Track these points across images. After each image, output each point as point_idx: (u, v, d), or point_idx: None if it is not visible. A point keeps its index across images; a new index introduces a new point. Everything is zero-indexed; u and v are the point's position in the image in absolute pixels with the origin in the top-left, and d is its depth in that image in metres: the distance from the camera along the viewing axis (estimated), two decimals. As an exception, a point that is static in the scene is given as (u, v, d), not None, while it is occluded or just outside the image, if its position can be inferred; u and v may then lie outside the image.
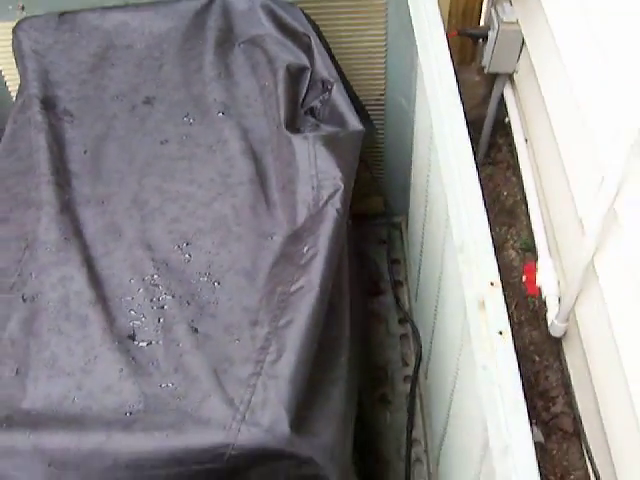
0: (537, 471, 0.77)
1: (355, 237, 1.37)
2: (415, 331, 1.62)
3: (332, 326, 1.07)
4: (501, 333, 0.89)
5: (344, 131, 1.24)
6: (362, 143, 1.27)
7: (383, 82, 1.63)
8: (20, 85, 1.41)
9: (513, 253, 1.78)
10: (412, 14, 1.35)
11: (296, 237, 1.11)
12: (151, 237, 1.13)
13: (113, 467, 0.91)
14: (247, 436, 0.90)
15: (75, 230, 1.13)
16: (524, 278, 1.67)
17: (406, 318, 1.68)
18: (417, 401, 1.58)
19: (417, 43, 1.31)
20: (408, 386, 1.60)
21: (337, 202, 1.11)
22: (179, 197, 1.17)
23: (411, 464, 1.50)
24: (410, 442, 1.53)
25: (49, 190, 1.16)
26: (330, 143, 1.17)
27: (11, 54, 1.50)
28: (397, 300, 1.72)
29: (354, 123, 1.25)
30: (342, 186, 1.12)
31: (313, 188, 1.14)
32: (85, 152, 1.25)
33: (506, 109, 1.95)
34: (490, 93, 1.99)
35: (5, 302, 1.09)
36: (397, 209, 1.82)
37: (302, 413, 0.94)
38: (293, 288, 1.03)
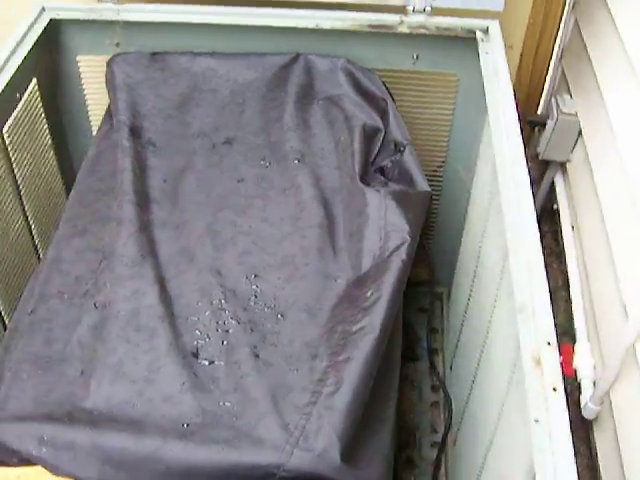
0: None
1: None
2: (448, 398, 1.64)
3: (385, 369, 1.11)
4: (555, 389, 0.92)
5: (413, 190, 1.30)
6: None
7: (444, 152, 1.69)
8: (106, 113, 1.49)
9: (549, 336, 1.80)
10: (486, 88, 1.42)
11: (360, 282, 1.16)
12: (221, 265, 1.18)
13: (166, 474, 0.95)
14: (299, 460, 0.94)
15: (151, 249, 1.19)
16: (560, 359, 1.70)
17: (439, 385, 1.71)
18: (442, 468, 1.59)
19: (489, 116, 1.37)
20: (435, 452, 1.61)
21: (403, 253, 1.16)
22: (251, 232, 1.23)
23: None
24: (432, 507, 1.54)
25: (130, 209, 1.23)
26: (400, 199, 1.23)
27: (97, 87, 1.60)
28: (432, 367, 1.75)
29: (422, 184, 1.31)
30: (409, 240, 1.18)
31: (381, 239, 1.19)
32: (165, 181, 1.32)
33: (555, 196, 2.02)
34: (540, 180, 2.06)
35: (77, 306, 1.14)
36: (442, 280, 1.86)
37: (352, 446, 0.98)
38: (354, 328, 1.08)
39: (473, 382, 1.46)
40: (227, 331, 1.09)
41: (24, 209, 1.54)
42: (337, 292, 1.16)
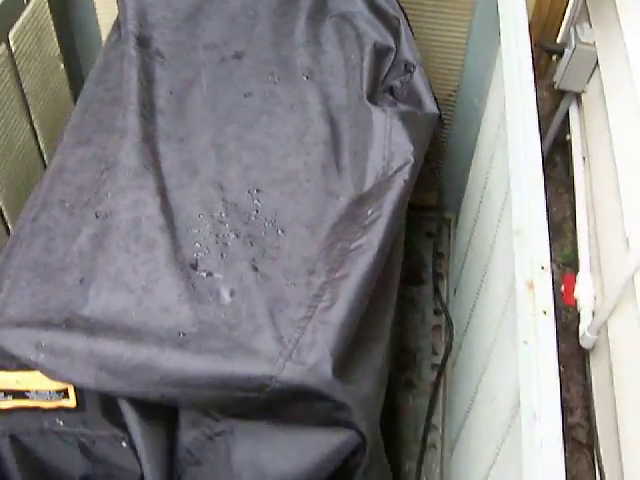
0: (561, 436, 0.81)
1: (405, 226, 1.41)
2: (449, 322, 1.66)
3: (382, 288, 1.12)
4: (545, 313, 0.93)
5: (420, 111, 1.28)
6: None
7: (458, 78, 1.67)
8: (115, 22, 1.47)
9: (553, 265, 1.82)
10: (500, 14, 1.39)
11: (361, 201, 1.15)
12: (224, 179, 1.18)
13: (161, 382, 0.96)
14: (291, 372, 0.95)
15: (154, 161, 1.19)
16: (562, 288, 1.71)
17: (442, 309, 1.72)
18: (441, 389, 1.62)
19: (502, 43, 1.34)
20: (434, 374, 1.64)
21: (405, 174, 1.15)
22: (255, 147, 1.23)
23: (426, 448, 1.54)
24: (428, 427, 1.56)
25: (134, 119, 1.22)
26: (406, 119, 1.22)
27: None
28: (436, 291, 1.76)
29: (431, 106, 1.29)
30: (412, 160, 1.17)
31: (384, 158, 1.18)
32: (171, 92, 1.31)
33: (569, 127, 1.99)
34: (555, 110, 2.03)
35: (78, 217, 1.14)
36: (450, 205, 1.86)
37: (345, 361, 0.99)
38: (353, 245, 1.08)
39: (473, 307, 1.47)
40: (226, 244, 1.10)
41: (31, 119, 1.53)
42: (338, 210, 1.15)
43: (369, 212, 1.11)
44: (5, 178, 1.42)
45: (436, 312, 1.74)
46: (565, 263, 1.87)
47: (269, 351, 0.97)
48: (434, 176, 1.79)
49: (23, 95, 1.48)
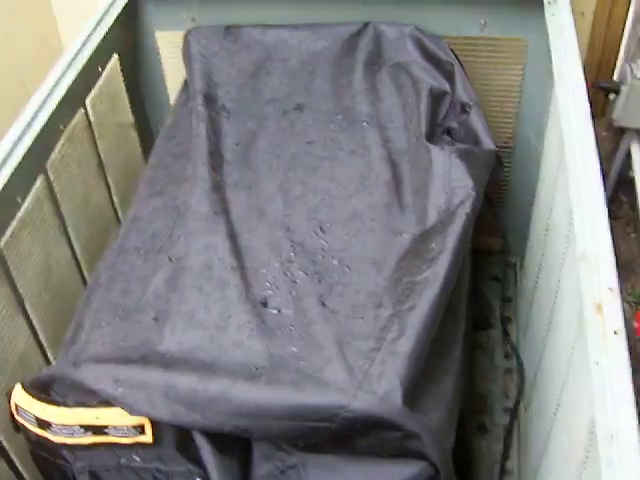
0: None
1: (471, 272, 1.42)
2: (520, 364, 1.65)
3: (450, 320, 1.13)
4: (616, 333, 0.93)
5: (478, 148, 1.31)
6: (491, 176, 1.34)
7: (514, 120, 1.69)
8: (183, 85, 1.55)
9: (625, 305, 1.80)
10: (553, 56, 1.42)
11: (425, 236, 1.18)
12: (291, 221, 1.23)
13: (234, 413, 0.99)
14: (362, 402, 0.96)
15: (223, 207, 1.24)
16: (635, 324, 1.69)
17: (512, 352, 1.71)
18: (515, 432, 1.60)
19: (556, 84, 1.37)
20: (507, 418, 1.62)
21: (467, 207, 1.18)
22: (320, 190, 1.27)
23: (502, 494, 1.52)
24: (503, 471, 1.55)
25: (204, 169, 1.28)
26: (465, 156, 1.25)
27: (175, 61, 1.66)
28: (505, 334, 1.75)
29: (488, 143, 1.32)
30: (473, 194, 1.19)
31: (445, 194, 1.21)
32: (237, 144, 1.37)
33: (632, 165, 1.99)
34: (616, 149, 2.03)
35: (152, 261, 1.20)
36: (514, 249, 1.86)
37: (415, 391, 1.00)
38: (419, 278, 1.10)
39: (544, 347, 1.46)
40: (295, 282, 1.13)
41: (106, 179, 1.60)
42: (403, 246, 1.18)
43: (433, 246, 1.14)
44: (83, 234, 1.49)
45: (506, 356, 1.73)
46: (637, 302, 1.84)
47: (339, 381, 0.99)
48: (497, 221, 1.80)
49: (99, 157, 1.55)
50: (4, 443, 1.24)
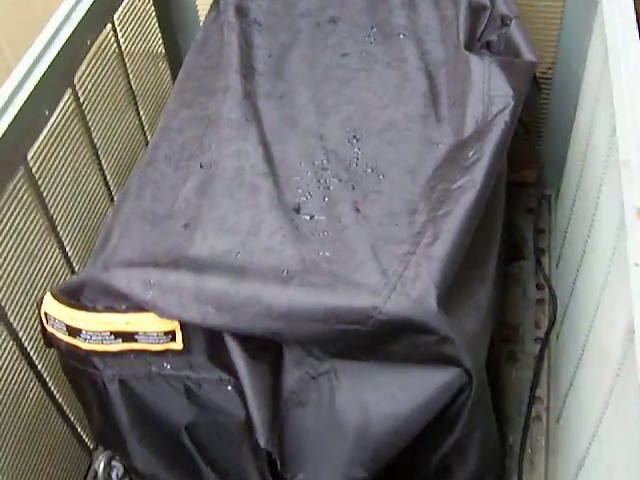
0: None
1: (505, 204, 1.39)
2: (552, 294, 1.62)
3: (484, 231, 1.11)
4: (655, 236, 0.90)
5: (519, 59, 1.27)
6: (526, 106, 1.30)
7: (555, 45, 1.64)
8: (213, 3, 1.52)
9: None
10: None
11: (462, 145, 1.15)
12: (324, 130, 1.20)
13: (266, 315, 0.97)
14: (395, 304, 0.95)
15: (255, 115, 1.22)
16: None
17: (545, 283, 1.68)
18: (545, 361, 1.58)
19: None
20: (538, 347, 1.60)
21: (506, 115, 1.14)
22: (354, 101, 1.24)
23: (531, 420, 1.50)
24: (533, 399, 1.53)
25: (236, 77, 1.25)
26: (505, 66, 1.21)
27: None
28: (538, 265, 1.72)
29: (529, 55, 1.28)
30: (512, 103, 1.16)
31: (483, 104, 1.18)
32: (270, 56, 1.34)
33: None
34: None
35: (184, 168, 1.18)
36: (550, 181, 1.82)
37: (449, 296, 0.98)
38: (454, 186, 1.07)
39: (576, 276, 1.44)
40: (328, 188, 1.11)
41: (136, 104, 1.59)
42: (439, 155, 1.15)
43: (470, 154, 1.11)
44: (112, 154, 1.48)
45: (538, 286, 1.71)
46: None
47: (373, 284, 0.97)
48: (533, 152, 1.76)
49: (128, 79, 1.54)
50: (35, 360, 1.25)
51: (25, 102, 1.17)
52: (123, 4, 1.51)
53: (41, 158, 1.23)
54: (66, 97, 1.32)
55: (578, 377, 1.31)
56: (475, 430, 1.10)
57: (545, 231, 1.81)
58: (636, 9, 1.28)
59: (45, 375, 1.28)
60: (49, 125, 1.26)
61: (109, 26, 1.46)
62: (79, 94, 1.36)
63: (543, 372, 1.57)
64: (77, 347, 1.09)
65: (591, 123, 1.41)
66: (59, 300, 1.07)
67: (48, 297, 1.08)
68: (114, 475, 1.20)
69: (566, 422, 1.38)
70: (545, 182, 1.83)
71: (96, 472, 1.21)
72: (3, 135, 1.12)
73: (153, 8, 1.65)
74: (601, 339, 1.16)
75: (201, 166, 1.16)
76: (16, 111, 1.15)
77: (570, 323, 1.47)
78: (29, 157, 1.19)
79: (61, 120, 1.30)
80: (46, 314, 1.09)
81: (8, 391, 1.18)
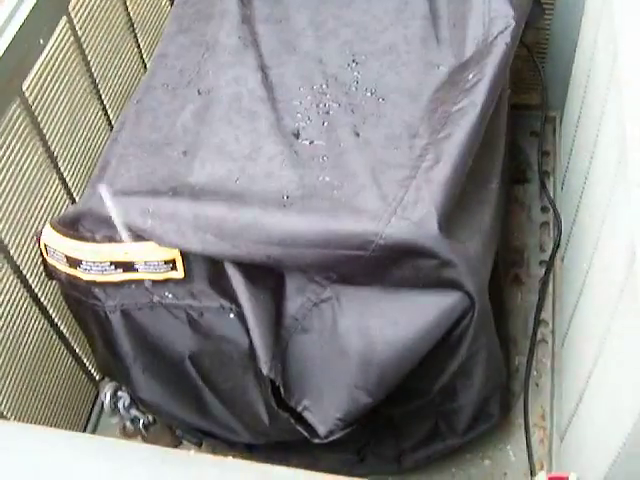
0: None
1: (509, 127, 1.37)
2: (557, 217, 1.61)
3: (486, 153, 1.10)
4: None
5: (520, -21, 1.24)
6: (529, 27, 1.27)
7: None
8: None
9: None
10: None
11: (462, 67, 1.13)
12: (323, 54, 1.18)
13: (265, 241, 0.97)
14: (396, 228, 0.94)
15: (253, 40, 1.19)
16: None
17: (549, 206, 1.67)
18: (551, 284, 1.58)
19: None
20: (543, 270, 1.60)
21: (507, 36, 1.12)
22: (353, 24, 1.22)
23: (536, 343, 1.51)
24: (538, 322, 1.53)
25: (233, 2, 1.23)
26: (506, -14, 1.18)
27: None
28: (543, 187, 1.71)
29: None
30: (513, 23, 1.13)
31: (484, 25, 1.15)
32: (267, -19, 1.31)
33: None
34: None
35: (181, 96, 1.17)
36: (554, 103, 1.80)
37: (451, 219, 0.98)
38: (455, 108, 1.06)
39: (581, 196, 1.43)
40: (328, 112, 1.10)
41: (135, 34, 1.56)
42: (439, 78, 1.13)
43: (470, 76, 1.09)
44: (110, 86, 1.45)
45: (543, 209, 1.70)
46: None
47: (373, 209, 0.96)
48: (537, 74, 1.73)
49: (127, 9, 1.51)
50: (37, 292, 1.25)
51: (18, 31, 1.15)
52: None
53: (37, 89, 1.21)
54: (61, 25, 1.29)
55: (582, 298, 1.31)
56: (479, 353, 1.10)
57: (550, 154, 1.79)
58: None
59: (49, 307, 1.28)
60: (44, 55, 1.24)
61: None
62: (75, 22, 1.33)
63: (548, 295, 1.57)
64: (78, 278, 1.09)
65: (594, 43, 1.38)
66: (58, 231, 1.07)
67: (47, 228, 1.08)
68: (120, 405, 1.21)
69: (571, 344, 1.39)
70: (549, 104, 1.80)
71: (102, 402, 1.23)
72: (-4, 66, 1.10)
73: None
74: (605, 259, 1.16)
75: (199, 92, 1.14)
76: (9, 40, 1.12)
77: (575, 245, 1.46)
78: (24, 88, 1.18)
79: (57, 49, 1.27)
80: (46, 246, 1.08)
81: (12, 324, 1.19)
